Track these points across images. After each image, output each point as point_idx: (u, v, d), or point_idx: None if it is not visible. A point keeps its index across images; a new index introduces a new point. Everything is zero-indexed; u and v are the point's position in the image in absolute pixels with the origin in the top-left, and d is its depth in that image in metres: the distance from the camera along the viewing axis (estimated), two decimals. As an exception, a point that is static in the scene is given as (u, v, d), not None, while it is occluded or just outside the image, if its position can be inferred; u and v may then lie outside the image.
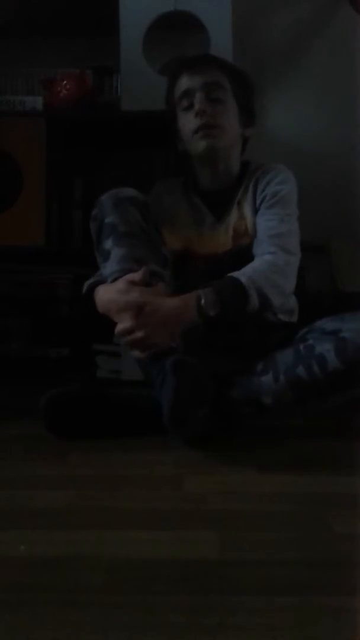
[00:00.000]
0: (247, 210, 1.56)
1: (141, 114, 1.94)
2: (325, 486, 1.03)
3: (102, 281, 1.44)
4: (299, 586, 0.70)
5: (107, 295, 1.36)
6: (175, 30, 2.06)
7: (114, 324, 1.57)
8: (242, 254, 1.53)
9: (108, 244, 1.42)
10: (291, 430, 1.40)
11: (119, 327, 1.30)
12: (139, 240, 1.43)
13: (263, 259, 1.42)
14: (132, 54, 1.95)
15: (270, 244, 1.45)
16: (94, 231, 1.48)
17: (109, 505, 0.96)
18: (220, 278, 1.41)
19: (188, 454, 1.23)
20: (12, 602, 0.67)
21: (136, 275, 1.33)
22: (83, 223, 2.13)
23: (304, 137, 2.23)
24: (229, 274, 1.35)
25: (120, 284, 1.34)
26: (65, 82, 2.05)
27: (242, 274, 1.34)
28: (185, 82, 1.57)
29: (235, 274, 1.35)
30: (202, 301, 1.29)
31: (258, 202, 1.55)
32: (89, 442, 1.29)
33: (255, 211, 1.55)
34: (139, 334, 1.27)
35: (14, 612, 0.65)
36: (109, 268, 1.41)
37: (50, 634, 0.61)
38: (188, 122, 1.56)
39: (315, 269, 1.96)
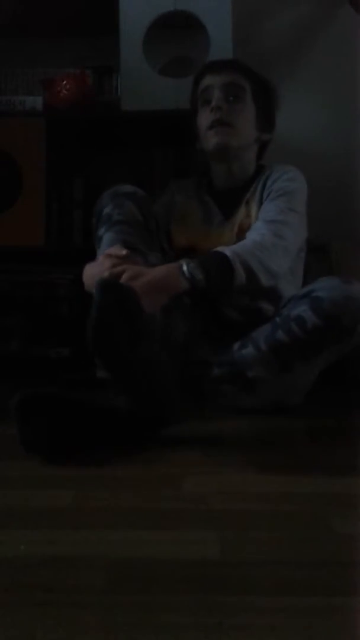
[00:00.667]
0: (254, 208, 1.57)
1: (141, 114, 1.94)
2: (325, 486, 1.03)
3: None
4: (299, 586, 0.70)
5: (88, 270, 1.40)
6: (175, 30, 2.06)
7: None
8: None
9: (101, 231, 1.49)
10: (291, 431, 1.40)
11: None
12: (131, 227, 1.47)
13: (250, 237, 1.43)
14: (132, 54, 1.95)
15: (261, 227, 1.45)
16: (93, 223, 1.54)
17: (109, 505, 0.96)
18: None
19: (188, 454, 1.22)
20: (12, 602, 0.67)
21: (113, 249, 1.34)
22: (83, 223, 2.13)
23: (304, 137, 2.23)
24: (215, 249, 1.34)
25: (100, 258, 1.37)
26: (65, 82, 2.05)
27: (227, 248, 1.34)
28: (206, 81, 1.61)
29: (221, 247, 1.34)
30: (184, 267, 1.28)
31: (264, 198, 1.56)
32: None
33: (259, 209, 1.56)
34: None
35: (14, 612, 0.65)
36: (99, 252, 1.46)
37: (50, 634, 0.61)
38: (204, 118, 1.59)
39: (315, 269, 1.96)
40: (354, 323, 1.26)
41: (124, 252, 1.33)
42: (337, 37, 2.23)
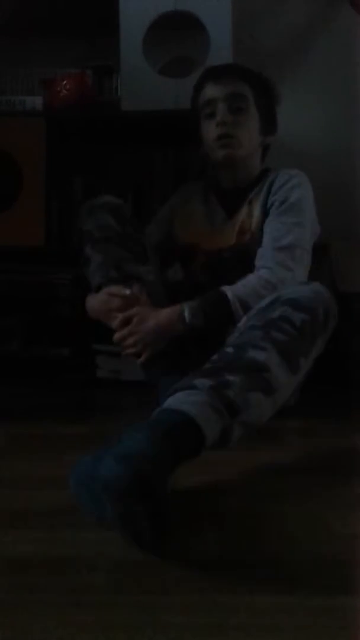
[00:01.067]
0: (257, 208, 1.59)
1: (141, 114, 1.94)
2: (325, 486, 1.03)
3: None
4: (299, 586, 0.70)
5: (91, 302, 1.52)
6: (175, 30, 2.06)
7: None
8: (243, 251, 1.56)
9: (87, 250, 1.54)
10: (291, 430, 1.40)
11: (115, 336, 1.44)
12: (114, 244, 1.53)
13: (258, 273, 1.46)
14: (132, 54, 1.95)
15: (270, 258, 1.47)
16: (75, 241, 1.60)
17: (109, 505, 0.96)
18: (222, 274, 1.51)
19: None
20: (12, 602, 0.67)
21: (116, 290, 1.46)
22: (83, 223, 2.13)
23: (304, 138, 2.23)
24: (221, 287, 1.42)
25: (101, 295, 1.48)
26: (65, 82, 2.05)
27: (230, 289, 1.41)
28: (209, 91, 1.62)
29: (225, 288, 1.42)
30: (185, 314, 1.41)
31: (269, 204, 1.58)
32: (88, 442, 1.29)
33: (264, 211, 1.58)
34: (131, 341, 1.42)
35: (14, 612, 0.65)
36: (91, 276, 1.54)
37: (50, 634, 0.61)
38: (209, 131, 1.61)
39: (315, 269, 1.96)
40: (327, 313, 1.29)
41: (127, 292, 1.46)
42: (337, 37, 2.23)
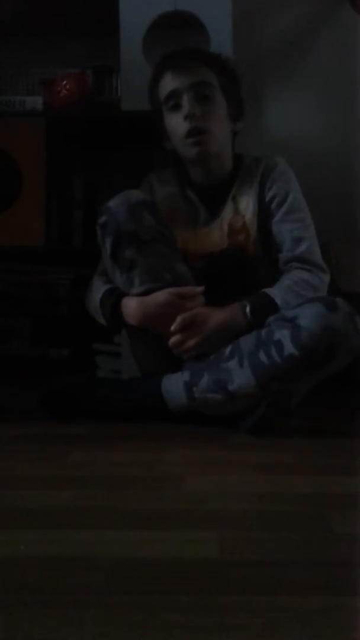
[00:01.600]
0: (247, 206, 1.54)
1: (141, 114, 1.93)
2: (325, 486, 1.03)
3: (122, 291, 1.47)
4: (299, 586, 0.70)
5: (147, 309, 1.41)
6: (175, 30, 2.06)
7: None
8: (239, 254, 1.52)
9: (130, 253, 1.42)
10: (291, 431, 1.40)
11: (174, 340, 1.40)
12: (162, 245, 1.45)
13: (300, 275, 1.45)
14: (132, 54, 1.94)
15: (303, 262, 1.47)
16: (105, 239, 1.45)
17: (109, 505, 0.96)
18: (220, 279, 1.49)
19: (188, 453, 1.23)
20: (12, 602, 0.67)
21: (189, 290, 1.42)
22: (83, 223, 2.13)
23: (304, 137, 2.23)
24: (263, 290, 1.41)
25: (163, 296, 1.40)
26: (65, 82, 2.05)
27: (277, 294, 1.40)
28: (170, 82, 1.54)
29: (270, 291, 1.41)
30: (248, 310, 1.39)
31: (267, 199, 1.54)
32: (89, 442, 1.29)
33: (262, 207, 1.53)
34: (192, 343, 1.39)
35: (14, 612, 0.65)
36: (137, 279, 1.43)
37: (50, 634, 0.61)
38: (177, 125, 1.53)
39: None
40: (332, 352, 1.28)
41: (199, 289, 1.42)
42: (337, 37, 2.23)
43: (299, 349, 1.28)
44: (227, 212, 1.56)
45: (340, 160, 2.20)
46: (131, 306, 1.44)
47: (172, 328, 1.39)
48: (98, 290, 1.51)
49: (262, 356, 1.31)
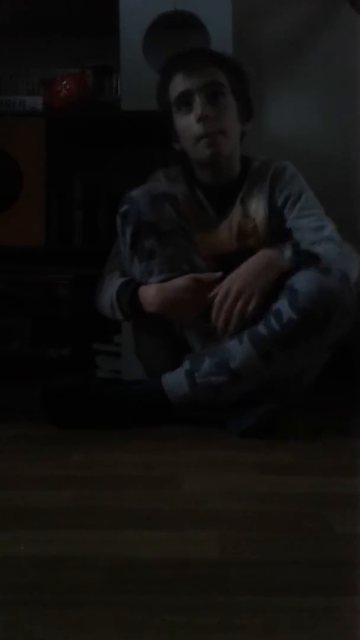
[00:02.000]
0: (257, 209, 1.54)
1: (141, 114, 1.94)
2: (325, 486, 1.03)
3: (139, 282, 1.46)
4: (299, 586, 0.70)
5: (166, 293, 1.40)
6: (175, 30, 2.06)
7: (114, 324, 1.58)
8: (249, 257, 1.51)
9: (150, 243, 1.42)
10: (291, 430, 1.40)
11: (222, 318, 1.34)
12: (181, 237, 1.45)
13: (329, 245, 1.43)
14: (132, 54, 1.94)
15: (329, 240, 1.47)
16: (125, 228, 1.45)
17: (109, 505, 0.96)
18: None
19: (188, 454, 1.23)
20: (12, 602, 0.67)
21: (207, 276, 1.39)
22: (83, 223, 2.13)
23: (304, 137, 2.23)
24: (302, 246, 1.39)
25: (182, 281, 1.39)
26: (65, 82, 2.05)
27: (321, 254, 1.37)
28: (181, 83, 1.53)
29: (311, 247, 1.39)
30: (287, 251, 1.36)
31: (280, 202, 1.55)
32: (89, 442, 1.29)
33: (274, 211, 1.54)
34: (234, 287, 1.33)
35: (14, 612, 0.65)
36: (156, 268, 1.43)
37: (51, 634, 0.61)
38: (189, 127, 1.52)
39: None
40: (328, 315, 1.30)
41: (218, 274, 1.39)
42: (337, 37, 2.23)
43: (297, 313, 1.29)
44: (236, 214, 1.56)
45: (341, 160, 2.20)
46: (150, 293, 1.43)
47: (197, 309, 1.39)
48: (112, 284, 1.50)
49: (262, 328, 1.32)
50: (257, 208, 1.55)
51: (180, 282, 1.39)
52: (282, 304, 1.32)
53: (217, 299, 1.35)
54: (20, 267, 2.15)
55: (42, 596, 0.68)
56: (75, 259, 2.15)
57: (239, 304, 1.34)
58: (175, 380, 1.39)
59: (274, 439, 1.30)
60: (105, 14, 1.95)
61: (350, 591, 0.70)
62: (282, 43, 2.26)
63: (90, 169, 2.17)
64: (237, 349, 1.34)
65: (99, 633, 0.62)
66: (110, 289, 1.51)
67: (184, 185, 1.60)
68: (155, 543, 0.82)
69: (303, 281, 1.31)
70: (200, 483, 1.05)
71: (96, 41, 2.11)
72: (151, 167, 1.84)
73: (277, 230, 1.54)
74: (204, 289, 1.38)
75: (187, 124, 1.53)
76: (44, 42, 2.19)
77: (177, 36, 2.08)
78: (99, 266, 1.66)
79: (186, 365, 1.40)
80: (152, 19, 1.95)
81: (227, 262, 1.50)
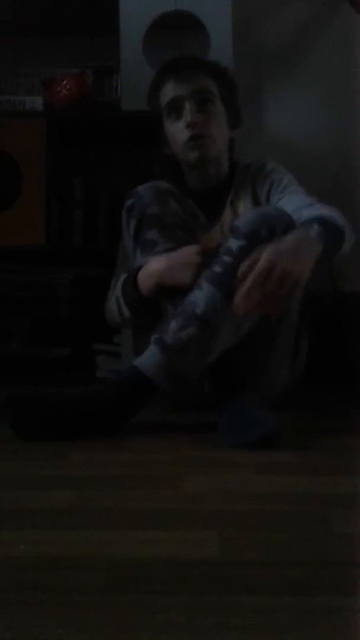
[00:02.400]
0: (245, 210, 1.56)
1: (141, 114, 1.94)
2: (325, 486, 1.03)
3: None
4: (299, 586, 0.70)
5: (168, 259, 1.39)
6: (175, 30, 2.06)
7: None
8: None
9: (152, 234, 1.44)
10: (291, 430, 1.40)
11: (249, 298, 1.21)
12: (182, 232, 1.47)
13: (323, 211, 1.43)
14: (132, 54, 1.95)
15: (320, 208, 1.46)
16: (130, 221, 1.48)
17: (109, 505, 0.96)
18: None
19: (188, 454, 1.23)
20: (12, 602, 0.67)
21: (195, 246, 1.40)
22: (83, 223, 2.14)
23: (304, 137, 2.23)
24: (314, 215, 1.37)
25: (184, 250, 1.39)
26: (65, 82, 2.05)
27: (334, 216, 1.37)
28: (172, 90, 1.55)
29: (327, 217, 1.37)
30: (313, 231, 1.31)
31: (264, 192, 1.57)
32: (87, 442, 1.29)
33: (258, 203, 1.56)
34: (280, 265, 1.19)
35: (14, 612, 0.65)
36: (151, 257, 1.44)
37: (51, 634, 0.61)
38: (178, 132, 1.56)
39: (315, 268, 1.96)
40: (272, 230, 1.32)
41: (218, 242, 1.40)
42: (337, 37, 2.23)
43: (243, 238, 1.32)
44: (227, 217, 1.58)
45: (341, 160, 2.21)
46: (152, 265, 1.42)
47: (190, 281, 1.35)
48: (118, 280, 1.54)
49: (216, 268, 1.34)
50: (245, 208, 1.56)
51: (182, 250, 1.40)
52: (230, 241, 1.35)
53: (254, 274, 1.19)
54: (20, 267, 2.16)
55: (42, 596, 0.68)
56: (75, 259, 2.16)
57: (285, 288, 1.20)
58: (146, 354, 1.33)
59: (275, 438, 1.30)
60: (105, 14, 1.96)
61: (350, 591, 0.70)
62: (282, 43, 2.26)
63: (90, 169, 2.18)
64: (199, 296, 1.33)
65: (99, 633, 0.61)
66: (116, 290, 1.53)
67: (173, 197, 1.58)
68: (155, 543, 0.82)
69: (241, 218, 1.39)
70: (200, 483, 1.05)
71: (96, 41, 2.11)
72: (151, 167, 1.84)
73: None
74: (206, 258, 1.37)
75: (177, 129, 1.56)
76: (44, 42, 2.20)
77: (177, 36, 2.08)
78: (99, 266, 1.66)
79: (152, 339, 1.35)
80: (152, 19, 1.96)
81: None
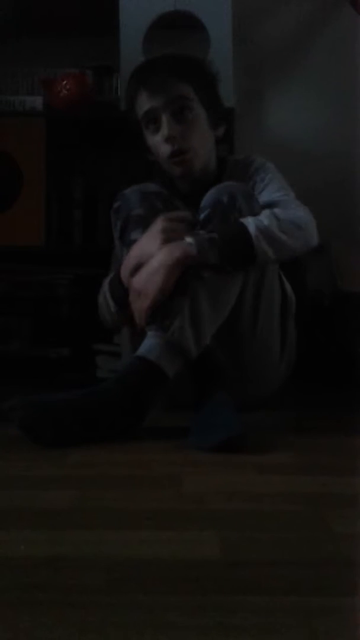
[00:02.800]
0: None
1: (141, 114, 1.93)
2: (325, 486, 1.03)
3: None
4: (299, 586, 0.70)
5: (145, 237, 1.38)
6: (175, 30, 2.06)
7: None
8: None
9: (137, 234, 1.43)
10: (291, 430, 1.40)
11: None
12: None
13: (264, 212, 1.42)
14: (132, 54, 1.95)
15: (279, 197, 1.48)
16: (116, 223, 1.49)
17: (109, 505, 0.96)
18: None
19: (188, 454, 1.22)
20: (12, 602, 0.67)
21: (176, 214, 1.40)
22: (83, 223, 2.14)
23: (304, 137, 2.23)
24: (240, 219, 1.36)
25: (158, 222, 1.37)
26: (65, 82, 2.05)
27: (250, 224, 1.35)
28: (146, 101, 1.49)
29: (246, 221, 1.35)
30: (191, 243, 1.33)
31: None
32: (87, 442, 1.29)
33: None
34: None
35: (14, 612, 0.65)
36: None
37: (50, 634, 0.61)
38: (158, 145, 1.52)
39: (315, 269, 1.96)
40: (232, 197, 1.37)
41: (188, 214, 1.41)
42: (337, 37, 2.23)
43: (207, 208, 1.37)
44: None
45: (340, 160, 2.21)
46: (129, 253, 1.42)
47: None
48: (106, 279, 1.54)
49: (189, 239, 1.33)
50: None
51: (154, 225, 1.38)
52: (200, 217, 1.38)
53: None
54: (20, 267, 2.16)
55: (42, 596, 0.68)
56: (75, 259, 2.16)
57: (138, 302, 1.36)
58: (144, 343, 1.33)
59: (274, 439, 1.30)
60: (105, 14, 1.96)
61: (350, 591, 0.70)
62: (282, 43, 2.26)
63: (90, 169, 2.18)
64: None
65: (99, 633, 0.61)
66: (103, 287, 1.53)
67: (161, 201, 1.56)
68: (155, 543, 0.82)
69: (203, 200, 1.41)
70: (200, 483, 1.05)
71: (96, 41, 2.11)
72: (151, 167, 1.84)
73: None
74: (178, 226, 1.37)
75: (156, 142, 1.52)
76: (44, 42, 2.20)
77: (177, 36, 2.08)
78: (99, 266, 1.66)
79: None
80: (152, 19, 1.96)
81: None
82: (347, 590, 0.70)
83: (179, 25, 2.03)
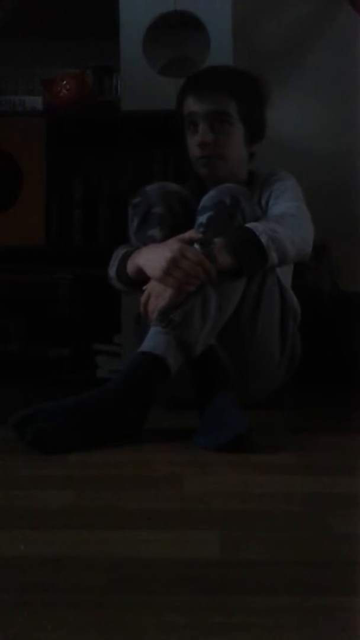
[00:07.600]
0: None
1: (141, 114, 1.94)
2: (325, 486, 1.03)
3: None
4: (299, 586, 0.70)
5: (151, 253, 1.38)
6: (175, 30, 2.06)
7: (114, 324, 1.57)
8: None
9: (155, 232, 1.46)
10: (291, 430, 1.40)
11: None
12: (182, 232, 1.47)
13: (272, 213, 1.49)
14: (132, 54, 1.95)
15: (280, 208, 1.52)
16: (134, 218, 1.50)
17: (109, 505, 0.96)
18: None
19: (188, 454, 1.23)
20: (12, 602, 0.67)
21: (188, 234, 1.38)
22: (83, 223, 2.13)
23: (304, 138, 2.23)
24: (247, 225, 1.39)
25: (168, 244, 1.37)
26: (65, 82, 2.05)
27: (260, 227, 1.38)
28: (191, 104, 1.59)
29: (254, 227, 1.38)
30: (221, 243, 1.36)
31: (263, 202, 1.59)
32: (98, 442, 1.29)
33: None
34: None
35: (14, 612, 0.65)
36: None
37: (50, 634, 0.61)
38: (192, 146, 1.61)
39: (315, 269, 1.96)
40: (235, 199, 1.40)
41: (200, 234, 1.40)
42: (337, 37, 2.23)
43: (210, 209, 1.39)
44: None
45: (340, 160, 2.21)
46: (139, 251, 1.43)
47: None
48: (120, 253, 1.54)
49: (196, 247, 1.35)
50: None
51: (169, 241, 1.37)
52: (199, 219, 1.41)
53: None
54: (20, 267, 2.16)
55: (42, 596, 0.68)
56: (75, 259, 2.16)
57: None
58: (149, 337, 1.33)
59: (274, 439, 1.30)
60: (105, 14, 1.95)
61: (350, 591, 0.70)
62: (282, 43, 2.26)
63: (90, 169, 2.17)
64: None
65: (99, 633, 0.61)
66: (116, 261, 1.54)
67: (187, 202, 1.59)
68: (155, 543, 0.82)
69: (203, 199, 1.44)
70: (200, 483, 1.05)
71: (96, 41, 2.11)
72: (151, 167, 1.84)
73: None
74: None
75: (192, 143, 1.61)
76: (44, 42, 2.20)
77: (177, 36, 2.08)
78: (99, 266, 1.66)
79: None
80: (152, 19, 1.95)
81: None
82: (347, 590, 0.70)
83: (179, 25, 2.03)
